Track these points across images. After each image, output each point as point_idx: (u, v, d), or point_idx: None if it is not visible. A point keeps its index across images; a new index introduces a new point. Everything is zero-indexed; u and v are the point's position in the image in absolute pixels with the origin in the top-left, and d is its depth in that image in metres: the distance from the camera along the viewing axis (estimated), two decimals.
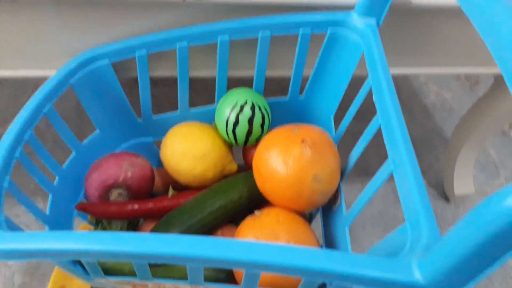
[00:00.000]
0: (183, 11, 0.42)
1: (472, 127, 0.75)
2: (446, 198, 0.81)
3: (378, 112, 0.36)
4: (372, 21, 0.42)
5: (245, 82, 0.49)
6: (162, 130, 0.49)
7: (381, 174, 0.34)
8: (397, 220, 0.77)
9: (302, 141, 0.38)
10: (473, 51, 0.50)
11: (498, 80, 0.67)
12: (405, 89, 0.99)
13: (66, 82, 0.42)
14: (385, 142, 0.34)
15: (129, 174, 0.43)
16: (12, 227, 0.32)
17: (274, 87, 0.54)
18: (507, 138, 0.92)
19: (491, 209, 0.19)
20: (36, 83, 0.80)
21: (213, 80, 0.47)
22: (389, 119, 0.34)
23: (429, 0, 0.43)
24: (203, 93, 0.54)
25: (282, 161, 0.38)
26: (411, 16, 0.46)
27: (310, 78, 0.47)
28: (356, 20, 0.42)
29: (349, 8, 0.43)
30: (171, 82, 0.47)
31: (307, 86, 0.49)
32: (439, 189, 0.82)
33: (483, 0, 0.28)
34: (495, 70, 0.54)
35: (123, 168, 0.43)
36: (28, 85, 0.82)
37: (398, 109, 0.35)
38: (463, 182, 0.80)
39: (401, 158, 0.32)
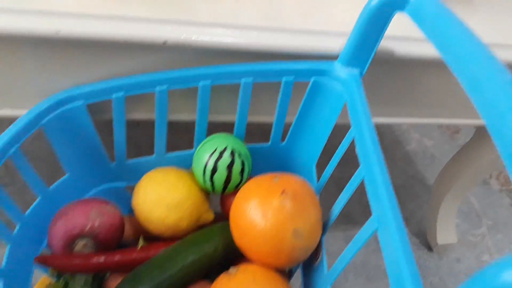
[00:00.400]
0: (164, 54, 0.41)
1: (455, 177, 0.75)
2: (429, 247, 0.80)
3: (361, 165, 0.35)
4: (356, 71, 0.41)
5: (226, 127, 0.48)
6: (136, 175, 0.47)
7: (365, 231, 0.32)
8: (379, 269, 0.75)
9: (283, 192, 0.36)
10: (455, 102, 0.51)
11: (479, 131, 0.68)
12: (387, 135, 0.99)
13: (36, 123, 0.39)
14: (369, 197, 0.33)
15: (97, 223, 0.40)
16: None
17: (256, 131, 0.53)
18: (488, 187, 0.92)
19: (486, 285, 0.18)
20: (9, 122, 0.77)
21: (193, 123, 0.46)
22: (373, 173, 0.33)
23: (412, 51, 0.44)
24: (182, 136, 0.52)
25: (261, 213, 0.36)
26: (394, 67, 0.46)
27: (292, 125, 0.46)
28: (340, 70, 0.42)
29: (333, 57, 0.42)
30: (152, 124, 0.46)
31: (289, 133, 0.47)
32: (422, 237, 0.81)
33: (465, 54, 0.28)
34: (477, 121, 0.54)
35: (90, 217, 0.40)
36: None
37: (382, 162, 0.33)
38: (446, 232, 0.79)
39: (385, 215, 0.30)
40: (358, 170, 0.35)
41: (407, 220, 0.83)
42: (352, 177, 0.36)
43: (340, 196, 0.38)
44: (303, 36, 0.42)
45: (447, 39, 0.30)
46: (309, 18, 0.45)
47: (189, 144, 0.47)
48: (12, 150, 0.37)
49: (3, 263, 0.37)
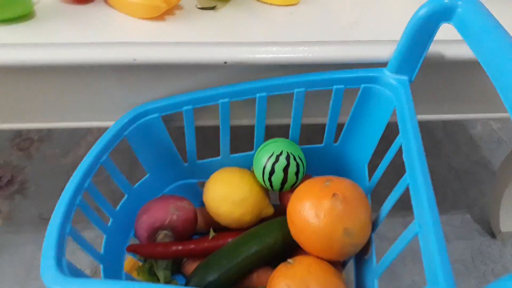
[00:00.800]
0: (225, 71, 0.46)
1: None
2: (492, 234, 0.79)
3: (407, 172, 0.38)
4: (404, 78, 0.43)
5: (282, 129, 0.52)
6: (205, 173, 0.53)
7: (406, 235, 0.35)
8: None
9: (333, 195, 0.40)
10: None
11: None
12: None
13: (120, 134, 0.47)
14: (412, 203, 0.35)
15: (175, 217, 0.47)
16: (75, 272, 0.37)
17: (310, 132, 0.56)
18: None
19: None
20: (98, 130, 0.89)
21: (253, 127, 0.51)
22: (416, 181, 0.36)
23: (460, 53, 0.44)
24: (244, 139, 0.58)
25: (314, 213, 0.40)
26: (444, 68, 0.47)
27: (344, 128, 0.50)
28: (389, 76, 0.44)
29: (382, 64, 0.44)
30: (216, 129, 0.51)
31: (341, 135, 0.51)
32: (485, 224, 0.80)
33: (506, 73, 0.29)
34: None
35: (169, 212, 0.47)
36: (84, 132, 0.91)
37: (425, 170, 0.36)
38: (509, 219, 0.77)
39: (426, 222, 0.33)
40: (403, 176, 0.38)
41: (469, 207, 0.82)
42: (398, 183, 0.39)
43: (386, 201, 0.41)
44: (351, 46, 0.45)
45: (490, 55, 0.32)
46: (357, 28, 0.47)
47: (250, 146, 0.52)
48: (104, 157, 0.45)
49: (102, 250, 0.46)
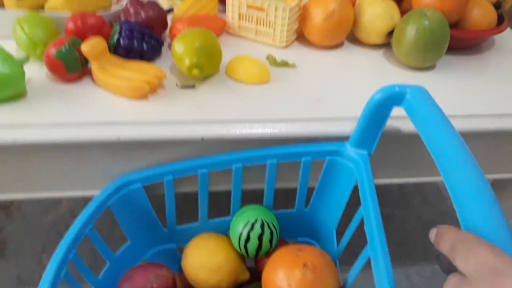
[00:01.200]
0: (202, 145, 0.50)
1: None
2: None
3: (368, 243, 0.41)
4: (364, 152, 0.48)
5: (257, 194, 0.56)
6: (184, 238, 0.56)
7: None
8: None
9: (304, 265, 0.44)
10: None
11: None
12: None
13: (104, 205, 0.49)
14: (374, 275, 0.39)
15: (155, 285, 0.49)
16: None
17: (282, 197, 0.60)
18: None
19: None
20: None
21: (229, 192, 0.54)
22: (376, 252, 0.39)
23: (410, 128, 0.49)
24: (222, 202, 0.61)
25: (287, 283, 0.43)
26: (400, 140, 0.53)
27: (313, 194, 0.54)
28: (350, 150, 0.49)
29: (345, 138, 0.49)
30: (194, 195, 0.54)
31: (311, 201, 0.55)
32: None
33: (446, 158, 0.34)
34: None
35: (149, 280, 0.50)
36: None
37: (383, 242, 0.40)
38: None
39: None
40: (365, 248, 0.42)
41: (438, 257, 0.86)
42: (361, 254, 0.42)
43: (351, 269, 0.44)
44: (315, 123, 0.50)
45: (433, 140, 0.37)
46: (322, 104, 0.53)
47: (228, 210, 0.55)
48: (88, 228, 0.47)
49: None
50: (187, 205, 0.70)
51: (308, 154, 0.50)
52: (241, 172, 0.51)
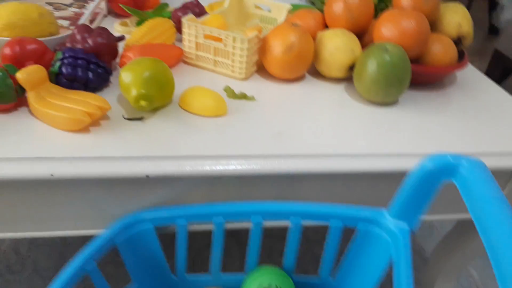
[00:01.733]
0: (148, 184, 0.45)
1: (453, 249, 0.75)
2: None
3: None
4: (405, 225, 0.41)
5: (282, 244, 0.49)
6: None
7: None
8: None
9: None
10: None
11: None
12: None
13: (112, 242, 0.44)
14: None
15: None
16: None
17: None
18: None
19: None
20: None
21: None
22: None
23: None
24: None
25: None
26: None
27: (341, 264, 0.48)
28: (388, 220, 0.42)
29: (303, 175, 0.45)
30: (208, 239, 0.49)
31: (338, 271, 0.49)
32: None
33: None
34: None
35: None
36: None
37: None
38: None
39: None
40: None
41: None
42: None
43: None
44: (273, 160, 0.46)
45: (489, 229, 0.30)
46: (280, 139, 0.49)
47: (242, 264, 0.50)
48: (91, 265, 0.41)
49: None
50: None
51: (338, 217, 0.44)
52: (261, 227, 0.46)
